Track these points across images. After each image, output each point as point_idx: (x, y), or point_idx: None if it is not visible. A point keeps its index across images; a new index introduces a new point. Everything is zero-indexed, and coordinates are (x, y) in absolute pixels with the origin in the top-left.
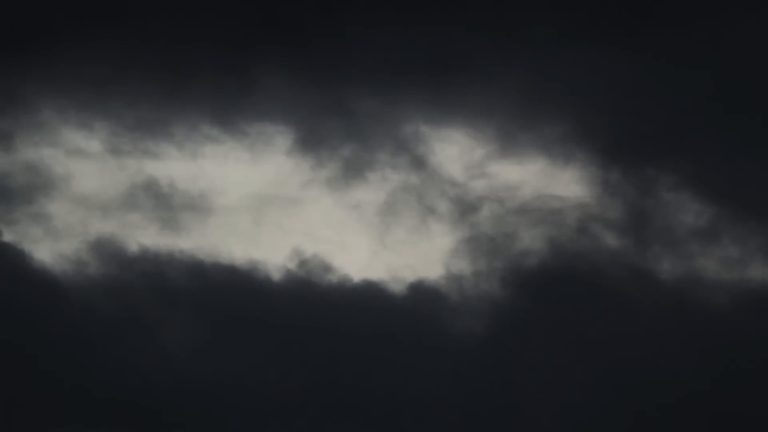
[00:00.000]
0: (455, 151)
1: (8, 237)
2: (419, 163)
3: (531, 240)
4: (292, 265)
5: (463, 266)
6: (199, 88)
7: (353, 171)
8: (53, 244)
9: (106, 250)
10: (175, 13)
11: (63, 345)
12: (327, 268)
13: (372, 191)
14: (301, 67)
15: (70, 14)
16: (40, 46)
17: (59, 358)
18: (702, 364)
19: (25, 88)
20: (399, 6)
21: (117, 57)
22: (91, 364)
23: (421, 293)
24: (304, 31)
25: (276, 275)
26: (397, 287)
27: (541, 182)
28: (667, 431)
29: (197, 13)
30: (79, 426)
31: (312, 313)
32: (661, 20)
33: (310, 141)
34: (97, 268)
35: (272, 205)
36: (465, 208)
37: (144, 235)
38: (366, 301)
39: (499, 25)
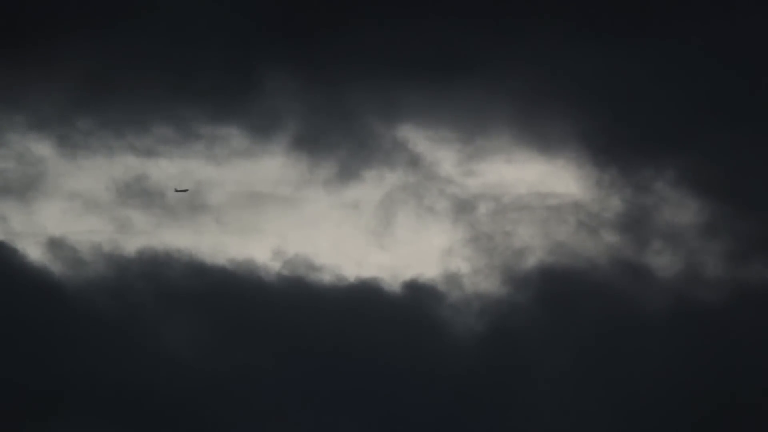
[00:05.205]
0: (452, 149)
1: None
2: (416, 162)
3: (529, 238)
4: (288, 264)
5: (460, 264)
6: (198, 86)
7: (350, 170)
8: (38, 241)
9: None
10: (176, 13)
11: (58, 342)
12: (323, 267)
13: (369, 190)
14: (301, 67)
15: (56, 13)
16: (31, 48)
17: (56, 355)
18: (702, 360)
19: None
20: (399, 6)
21: (113, 54)
22: (88, 361)
23: (417, 291)
24: (305, 32)
25: (273, 274)
26: (394, 285)
27: (539, 180)
28: (668, 426)
29: (198, 13)
30: (76, 424)
31: (308, 312)
32: (659, 21)
33: (308, 140)
34: (66, 263)
35: (269, 204)
36: (462, 206)
37: (139, 233)
38: (363, 299)
39: (499, 26)
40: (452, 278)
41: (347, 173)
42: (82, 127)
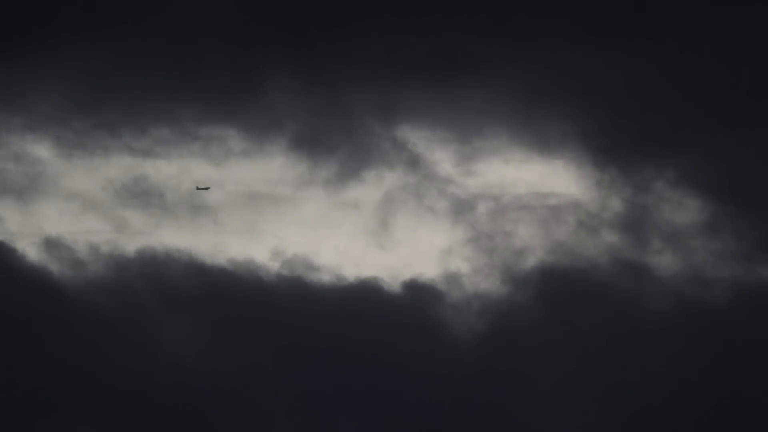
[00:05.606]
0: (452, 149)
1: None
2: (415, 162)
3: (529, 238)
4: (288, 264)
5: (460, 264)
6: (197, 86)
7: (350, 170)
8: (34, 240)
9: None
10: (175, 13)
11: (57, 341)
12: (323, 267)
13: (368, 190)
14: (301, 67)
15: (57, 15)
16: (34, 47)
17: (55, 356)
18: (702, 360)
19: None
20: (399, 6)
21: (111, 55)
22: (87, 361)
23: (417, 291)
24: (305, 32)
25: (273, 275)
26: (394, 285)
27: (539, 180)
28: (668, 425)
29: (197, 13)
30: (75, 423)
31: (308, 312)
32: (659, 21)
33: (307, 140)
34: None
35: (268, 204)
36: (462, 206)
37: (138, 233)
38: (362, 299)
39: (499, 27)
40: (452, 278)
41: (347, 173)
42: (79, 128)
